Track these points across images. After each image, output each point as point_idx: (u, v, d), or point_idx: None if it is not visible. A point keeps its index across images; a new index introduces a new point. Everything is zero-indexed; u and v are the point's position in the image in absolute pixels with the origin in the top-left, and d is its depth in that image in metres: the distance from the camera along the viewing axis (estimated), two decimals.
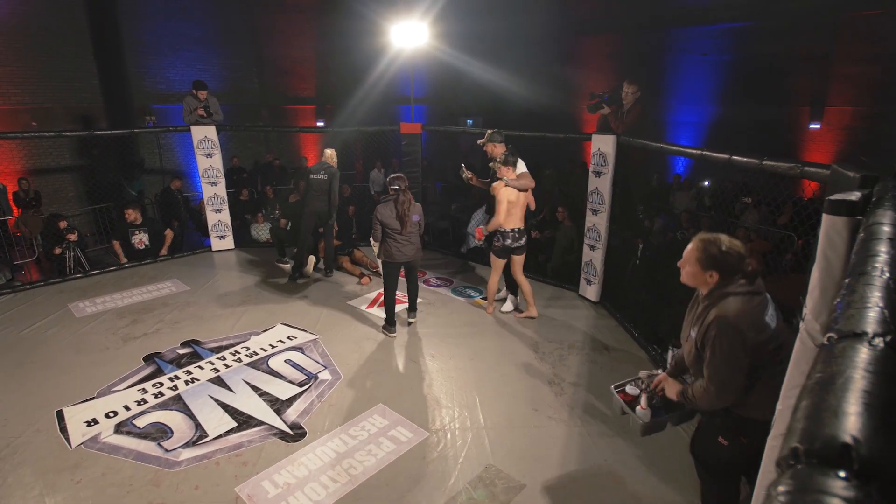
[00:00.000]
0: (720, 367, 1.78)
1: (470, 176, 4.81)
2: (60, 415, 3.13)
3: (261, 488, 2.57)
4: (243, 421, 3.10)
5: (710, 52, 10.86)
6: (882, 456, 0.42)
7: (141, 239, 5.98)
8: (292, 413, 3.19)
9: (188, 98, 6.27)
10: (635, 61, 11.23)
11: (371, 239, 4.09)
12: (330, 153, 5.44)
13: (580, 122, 12.04)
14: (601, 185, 4.53)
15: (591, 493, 2.56)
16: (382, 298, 4.31)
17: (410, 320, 4.42)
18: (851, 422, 0.45)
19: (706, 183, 7.56)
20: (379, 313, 4.66)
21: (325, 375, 3.62)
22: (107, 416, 3.13)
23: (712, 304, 1.82)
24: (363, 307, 4.83)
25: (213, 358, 3.84)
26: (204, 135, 6.14)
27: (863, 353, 0.58)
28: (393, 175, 4.09)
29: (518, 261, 4.37)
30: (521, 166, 4.33)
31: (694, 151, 3.18)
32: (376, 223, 3.98)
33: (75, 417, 3.11)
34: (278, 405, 3.26)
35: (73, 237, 6.01)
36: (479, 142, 4.58)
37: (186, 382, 3.51)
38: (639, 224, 5.50)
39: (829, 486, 0.38)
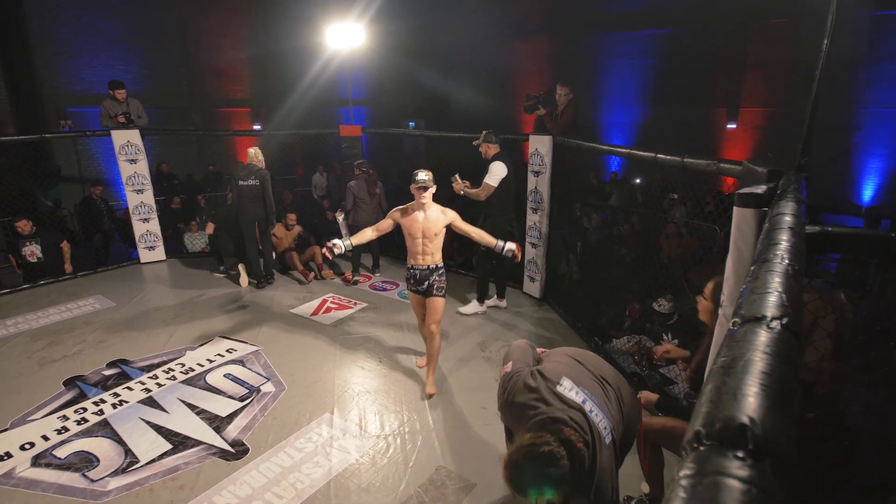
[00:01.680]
0: None
1: (465, 185, 4.40)
2: None
3: None
4: (179, 442, 2.93)
5: (636, 57, 11.47)
6: (775, 435, 0.45)
7: (32, 251, 5.45)
8: (233, 430, 3.04)
9: (106, 101, 5.85)
10: (570, 65, 11.66)
11: (339, 210, 4.59)
12: (254, 152, 5.16)
13: (519, 123, 12.35)
14: (540, 183, 4.66)
15: None
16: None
17: (376, 272, 5.72)
18: (748, 403, 0.48)
19: (638, 180, 7.96)
20: (323, 320, 4.55)
21: (267, 388, 3.48)
22: (21, 448, 2.86)
23: None
24: (307, 315, 4.70)
25: (144, 377, 3.60)
26: (126, 139, 5.75)
27: (762, 336, 0.62)
28: (358, 161, 5.57)
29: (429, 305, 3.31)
30: (497, 169, 4.31)
31: (623, 150, 3.34)
32: (349, 195, 5.33)
33: None
34: (217, 422, 3.10)
35: None
36: (474, 143, 4.49)
37: (114, 406, 3.27)
38: (577, 221, 5.70)
39: (726, 466, 0.40)
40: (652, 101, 11.29)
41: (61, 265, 5.61)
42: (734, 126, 10.68)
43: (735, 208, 1.37)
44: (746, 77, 10.34)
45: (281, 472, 2.69)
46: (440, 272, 3.31)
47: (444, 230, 3.28)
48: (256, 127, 12.10)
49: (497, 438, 2.96)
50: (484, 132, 4.45)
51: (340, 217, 4.32)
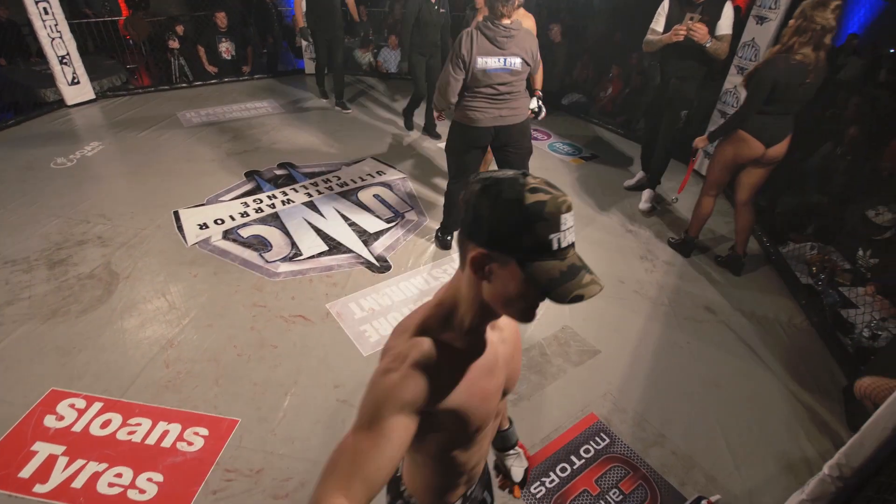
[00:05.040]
0: None
1: (703, 30, 3.13)
2: (177, 215, 3.44)
3: (348, 309, 2.76)
4: (334, 246, 3.26)
5: None
6: None
7: (227, 48, 5.90)
8: (378, 246, 3.29)
9: None
10: None
11: None
12: None
13: None
14: (761, 36, 3.65)
15: (667, 372, 2.52)
16: None
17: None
18: None
19: (893, 50, 5.97)
20: None
21: (411, 216, 3.64)
22: (215, 222, 3.41)
23: None
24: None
25: (307, 182, 3.95)
26: None
27: None
28: None
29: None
30: (730, 10, 3.18)
31: None
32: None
33: (189, 219, 3.41)
34: (366, 237, 3.37)
35: (174, 45, 6.04)
36: None
37: (283, 202, 3.68)
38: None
39: None
40: None
41: (244, 65, 6.08)
42: None
43: None
44: None
45: (418, 294, 2.90)
46: None
47: None
48: None
49: (629, 315, 2.84)
50: None
51: None
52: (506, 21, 2.48)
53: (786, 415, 2.33)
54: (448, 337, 0.80)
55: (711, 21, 3.14)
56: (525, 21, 3.05)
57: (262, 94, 5.68)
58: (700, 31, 3.10)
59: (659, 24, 3.31)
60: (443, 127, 4.25)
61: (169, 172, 3.98)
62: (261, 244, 3.23)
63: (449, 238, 3.30)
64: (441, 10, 4.18)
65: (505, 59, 2.54)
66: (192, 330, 2.56)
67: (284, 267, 3.05)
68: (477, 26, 2.55)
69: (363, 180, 4.05)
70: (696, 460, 2.12)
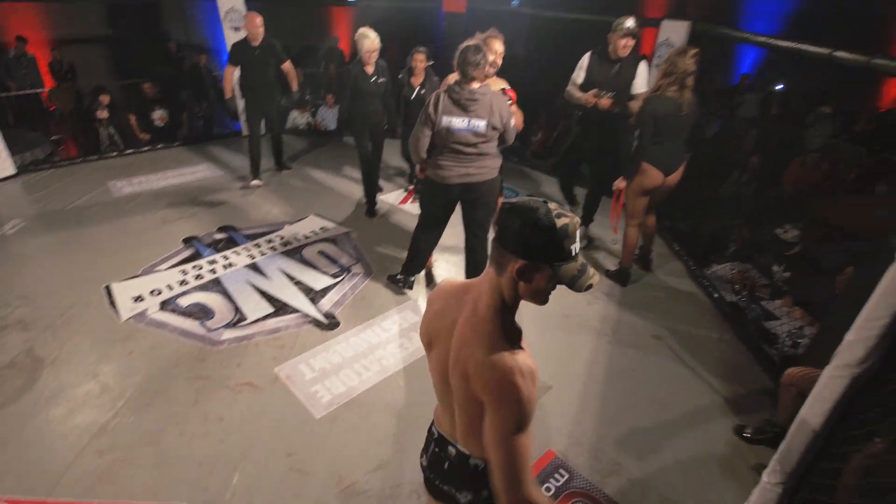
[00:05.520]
0: None
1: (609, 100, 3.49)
2: (109, 290, 3.28)
3: (298, 371, 2.70)
4: (280, 307, 3.20)
5: None
6: None
7: (160, 115, 5.86)
8: (326, 303, 3.26)
9: None
10: None
11: None
12: (371, 40, 3.90)
13: (636, 3, 10.71)
14: None
15: (616, 398, 2.60)
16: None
17: None
18: None
19: (779, 87, 6.76)
20: (410, 209, 4.58)
21: (357, 269, 3.65)
22: (151, 293, 3.27)
23: None
24: (395, 203, 4.75)
25: (249, 244, 3.89)
26: (231, 5, 5.70)
27: None
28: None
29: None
30: (645, 70, 3.51)
31: (787, 45, 2.74)
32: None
33: (123, 293, 3.26)
34: (313, 294, 3.34)
35: (103, 114, 5.92)
36: (622, 31, 3.32)
37: (224, 267, 3.60)
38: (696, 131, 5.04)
39: None
40: None
41: (178, 131, 6.02)
42: None
43: None
44: None
45: (368, 348, 2.89)
46: None
47: None
48: None
49: (577, 347, 2.94)
50: (631, 18, 3.33)
51: None
52: (473, 85, 2.62)
53: (726, 426, 2.47)
54: (514, 328, 1.08)
55: (627, 80, 3.47)
56: (495, 85, 3.06)
57: (198, 159, 5.61)
58: (604, 104, 3.47)
59: (579, 77, 3.61)
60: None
61: (99, 246, 3.81)
62: (202, 312, 3.12)
63: (412, 279, 3.32)
64: (380, 81, 4.06)
65: (469, 121, 2.64)
66: (128, 412, 2.40)
67: (228, 333, 2.95)
68: (446, 89, 2.70)
69: (307, 238, 4.04)
70: (651, 484, 2.18)
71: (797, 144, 4.92)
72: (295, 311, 3.18)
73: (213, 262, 3.65)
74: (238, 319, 3.07)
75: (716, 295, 3.47)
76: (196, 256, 3.72)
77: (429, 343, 1.24)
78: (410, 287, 3.36)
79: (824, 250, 3.59)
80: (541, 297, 1.05)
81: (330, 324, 3.08)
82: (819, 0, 8.77)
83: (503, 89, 2.97)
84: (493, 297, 1.05)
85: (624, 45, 3.33)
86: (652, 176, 3.20)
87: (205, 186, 4.93)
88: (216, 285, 3.39)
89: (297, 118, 6.87)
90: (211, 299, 3.24)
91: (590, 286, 1.00)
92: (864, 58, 2.10)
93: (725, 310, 3.33)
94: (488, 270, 1.07)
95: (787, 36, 3.01)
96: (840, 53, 2.21)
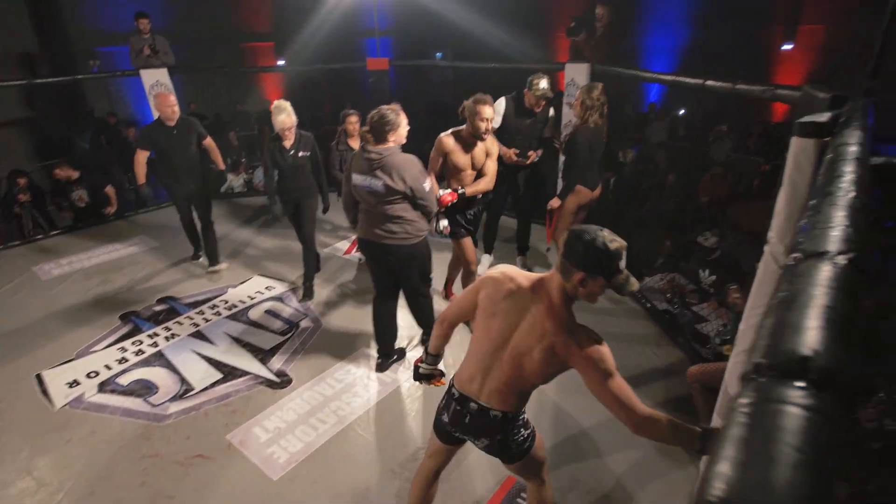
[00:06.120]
0: None
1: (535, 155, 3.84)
2: (40, 378, 3.10)
3: (252, 434, 2.64)
4: (228, 372, 3.13)
5: None
6: (838, 366, 0.44)
7: (81, 195, 5.69)
8: (277, 361, 3.23)
9: (133, 37, 5.80)
10: None
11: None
12: (286, 115, 3.71)
13: (553, 54, 11.64)
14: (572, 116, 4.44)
15: (568, 414, 2.71)
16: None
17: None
18: (811, 336, 0.46)
19: (682, 112, 7.49)
20: (355, 258, 4.64)
21: (306, 323, 3.64)
22: (88, 376, 3.12)
23: None
24: (341, 253, 4.80)
25: (192, 313, 3.81)
26: (156, 79, 5.74)
27: (825, 271, 0.59)
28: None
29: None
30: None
31: (668, 78, 3.13)
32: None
33: (56, 380, 3.08)
34: (262, 354, 3.29)
35: (24, 198, 5.69)
36: (538, 90, 3.54)
37: (167, 338, 3.49)
38: (613, 157, 5.48)
39: (788, 395, 0.40)
40: (697, 21, 10.37)
41: (106, 207, 5.84)
42: (790, 47, 9.78)
43: (793, 139, 1.28)
44: None
45: (323, 401, 2.86)
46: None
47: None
48: (281, 62, 11.81)
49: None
50: (545, 79, 3.55)
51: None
52: (378, 147, 2.67)
53: None
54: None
55: (541, 127, 3.85)
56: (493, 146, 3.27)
57: (131, 233, 5.46)
58: (528, 162, 3.80)
59: (496, 121, 3.87)
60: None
61: (26, 333, 3.61)
62: (144, 388, 3.00)
63: (390, 361, 3.17)
64: (300, 154, 3.76)
65: (370, 181, 2.70)
66: None
67: (175, 406, 2.85)
68: (359, 147, 2.86)
69: (252, 298, 4.00)
70: (610, 496, 2.27)
71: (704, 161, 5.45)
72: (245, 373, 3.12)
73: (153, 335, 3.53)
74: (185, 391, 2.98)
75: (649, 305, 3.71)
76: (136, 332, 3.59)
77: (493, 314, 1.55)
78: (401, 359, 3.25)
79: (742, 252, 3.95)
80: (593, 299, 1.44)
81: (282, 382, 3.04)
82: (703, 36, 9.90)
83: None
84: (564, 296, 1.45)
85: (538, 104, 3.66)
86: (584, 194, 3.70)
87: (140, 260, 4.79)
88: (159, 358, 3.27)
89: (233, 181, 6.87)
90: (154, 374, 3.13)
91: (632, 291, 1.38)
92: (729, 84, 2.44)
93: (660, 318, 3.57)
94: (555, 275, 1.46)
95: (684, 68, 3.47)
96: (710, 82, 2.56)
